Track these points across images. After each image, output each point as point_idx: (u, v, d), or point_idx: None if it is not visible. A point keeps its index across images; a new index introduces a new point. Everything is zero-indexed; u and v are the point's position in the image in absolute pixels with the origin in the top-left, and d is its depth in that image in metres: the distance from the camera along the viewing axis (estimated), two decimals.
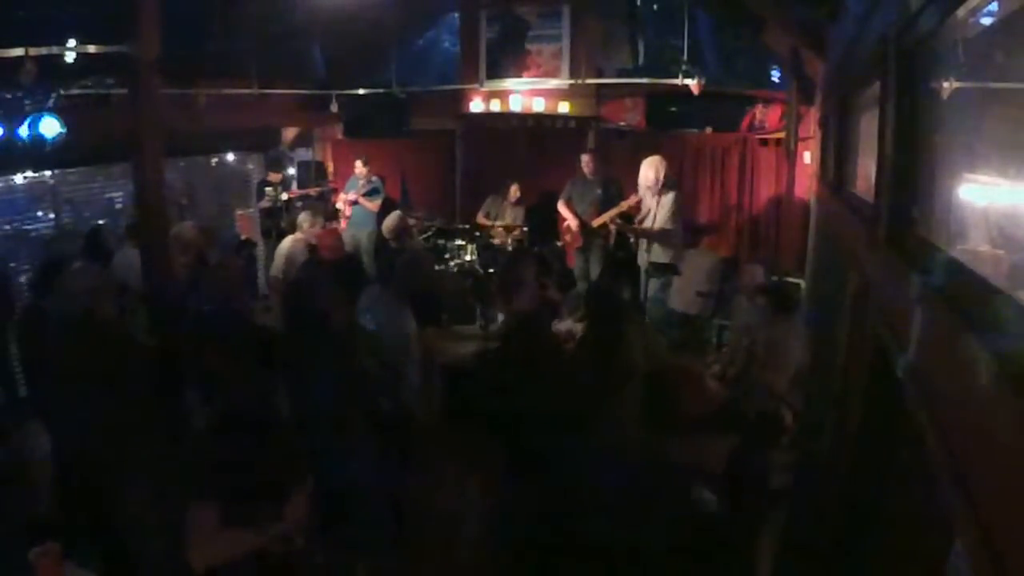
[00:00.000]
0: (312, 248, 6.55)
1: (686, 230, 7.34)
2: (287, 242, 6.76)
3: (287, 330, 4.21)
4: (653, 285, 6.74)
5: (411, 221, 7.35)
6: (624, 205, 7.10)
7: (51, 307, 4.13)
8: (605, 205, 7.24)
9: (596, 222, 7.23)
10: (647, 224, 6.76)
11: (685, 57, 7.15)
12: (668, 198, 6.71)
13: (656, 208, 6.76)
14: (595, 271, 7.48)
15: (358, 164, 8.31)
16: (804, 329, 4.85)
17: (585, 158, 7.51)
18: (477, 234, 8.10)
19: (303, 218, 6.81)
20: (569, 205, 7.48)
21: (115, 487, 3.50)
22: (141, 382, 3.80)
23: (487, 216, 8.27)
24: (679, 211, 6.80)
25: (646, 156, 7.03)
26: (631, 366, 3.59)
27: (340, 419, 3.54)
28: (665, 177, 6.73)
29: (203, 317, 4.26)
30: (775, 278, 6.24)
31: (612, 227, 7.22)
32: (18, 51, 4.37)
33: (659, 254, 6.80)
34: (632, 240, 7.30)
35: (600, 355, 3.76)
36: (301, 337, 3.87)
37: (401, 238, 6.43)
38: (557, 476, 2.58)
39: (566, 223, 7.52)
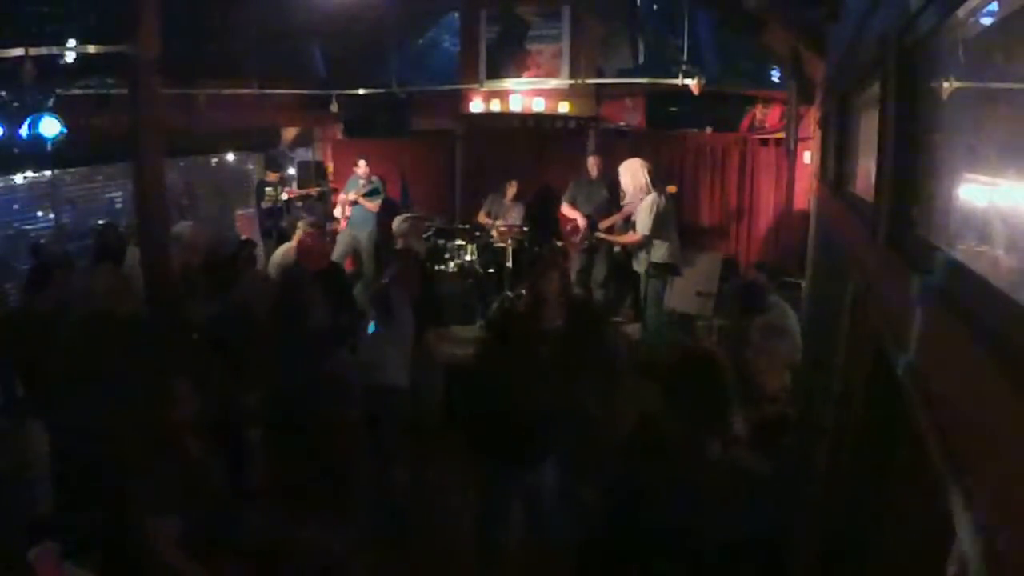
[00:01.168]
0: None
1: (684, 231, 7.32)
2: (281, 251, 6.71)
3: (263, 327, 4.24)
4: (653, 285, 6.74)
5: None
6: (628, 210, 7.08)
7: (58, 306, 4.12)
8: (611, 207, 7.23)
9: (604, 224, 7.21)
10: (638, 228, 6.73)
11: (685, 57, 7.14)
12: (643, 205, 6.62)
13: (637, 214, 6.73)
14: (600, 273, 7.48)
15: (361, 163, 8.29)
16: (795, 327, 4.84)
17: (592, 160, 7.50)
18: (477, 234, 8.09)
19: (301, 224, 6.77)
20: (574, 206, 7.47)
21: (118, 487, 3.49)
22: (155, 380, 3.80)
23: (488, 215, 8.27)
24: (659, 216, 6.68)
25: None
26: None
27: (309, 418, 3.54)
28: (642, 180, 6.64)
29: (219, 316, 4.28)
30: (759, 275, 6.23)
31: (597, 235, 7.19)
32: (18, 51, 4.37)
33: (658, 254, 6.79)
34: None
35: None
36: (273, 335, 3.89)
37: (407, 241, 6.44)
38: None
39: (572, 224, 7.49)
